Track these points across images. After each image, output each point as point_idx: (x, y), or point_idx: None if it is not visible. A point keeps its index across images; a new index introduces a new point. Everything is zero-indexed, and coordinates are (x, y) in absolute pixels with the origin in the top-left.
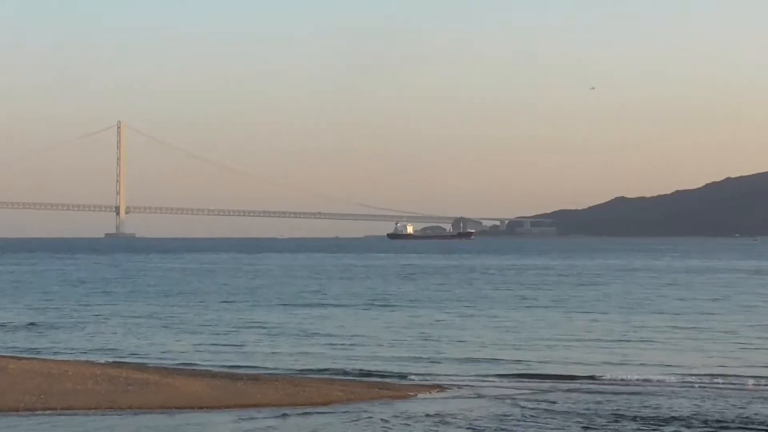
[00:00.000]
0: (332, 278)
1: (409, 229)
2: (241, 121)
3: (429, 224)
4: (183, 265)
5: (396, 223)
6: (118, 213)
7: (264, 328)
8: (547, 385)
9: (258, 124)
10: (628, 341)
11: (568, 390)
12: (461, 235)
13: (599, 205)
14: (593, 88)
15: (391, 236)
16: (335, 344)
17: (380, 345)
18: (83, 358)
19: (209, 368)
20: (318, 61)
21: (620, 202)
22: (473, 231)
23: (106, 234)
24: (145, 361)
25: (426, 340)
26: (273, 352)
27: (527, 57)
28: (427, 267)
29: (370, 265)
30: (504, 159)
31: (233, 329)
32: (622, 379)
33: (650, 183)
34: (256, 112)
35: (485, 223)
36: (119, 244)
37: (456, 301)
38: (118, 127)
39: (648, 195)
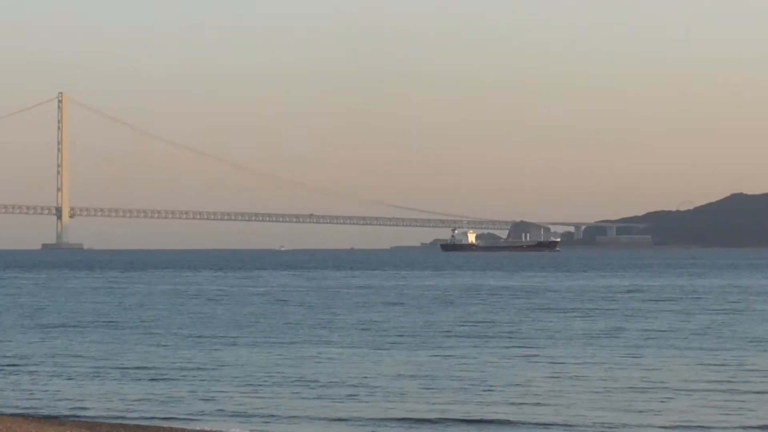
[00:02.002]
0: (368, 306)
1: (471, 238)
2: (227, 93)
3: (479, 230)
4: (146, 287)
5: (453, 230)
6: (59, 217)
7: (257, 373)
8: None
9: (250, 99)
10: (739, 392)
11: None
12: (542, 245)
13: (710, 204)
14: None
15: (445, 247)
16: (350, 395)
17: (414, 398)
18: (9, 411)
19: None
20: (333, 31)
21: (738, 200)
22: (558, 240)
23: (44, 245)
24: (94, 415)
25: (473, 388)
26: (268, 411)
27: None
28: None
29: (443, 289)
30: (577, 142)
31: (212, 373)
32: None
33: None
34: (248, 83)
35: (554, 229)
36: (60, 259)
37: (516, 337)
38: (59, 101)
39: None
